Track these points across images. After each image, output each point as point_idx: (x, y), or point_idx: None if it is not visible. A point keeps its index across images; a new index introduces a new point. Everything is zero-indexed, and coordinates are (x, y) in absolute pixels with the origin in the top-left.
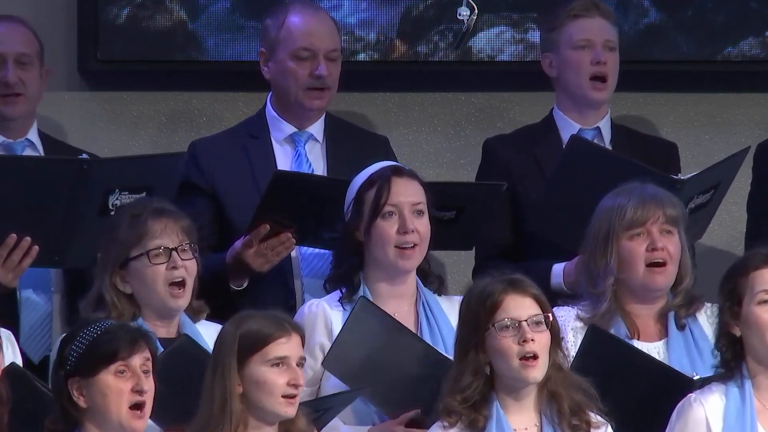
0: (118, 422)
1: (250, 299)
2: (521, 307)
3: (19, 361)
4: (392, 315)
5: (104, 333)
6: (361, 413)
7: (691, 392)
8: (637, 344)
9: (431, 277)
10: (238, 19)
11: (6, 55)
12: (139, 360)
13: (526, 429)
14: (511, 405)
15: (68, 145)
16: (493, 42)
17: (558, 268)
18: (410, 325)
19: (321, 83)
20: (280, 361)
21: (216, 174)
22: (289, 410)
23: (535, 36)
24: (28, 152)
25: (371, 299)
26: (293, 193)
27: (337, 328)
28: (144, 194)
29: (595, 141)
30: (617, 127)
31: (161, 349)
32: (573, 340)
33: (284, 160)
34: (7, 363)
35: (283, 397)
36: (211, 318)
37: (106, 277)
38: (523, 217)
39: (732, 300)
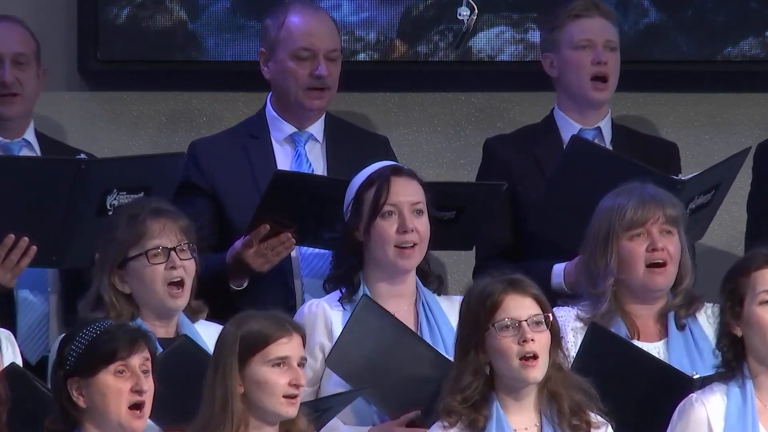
0: (118, 422)
1: (250, 299)
2: (521, 307)
3: (20, 362)
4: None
5: (103, 333)
6: (361, 413)
7: (692, 392)
8: (637, 344)
9: (431, 277)
10: (238, 19)
11: (3, 55)
12: (139, 360)
13: (526, 429)
14: (511, 405)
15: (65, 144)
16: (493, 42)
17: (558, 268)
18: (410, 324)
19: (321, 83)
20: (281, 362)
21: (216, 174)
22: (291, 410)
23: (535, 36)
24: (25, 152)
25: None
26: (293, 193)
27: (336, 328)
28: (142, 194)
29: (596, 141)
30: (618, 127)
31: (160, 349)
32: (573, 340)
33: (284, 160)
34: (7, 363)
35: (285, 397)
36: (211, 318)
37: (104, 277)
38: (524, 217)
39: (733, 300)
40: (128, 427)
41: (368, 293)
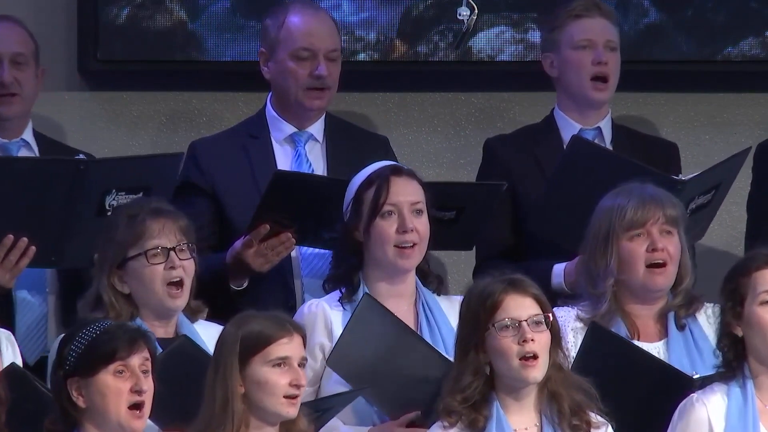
0: (117, 422)
1: (250, 299)
2: (521, 307)
3: (20, 362)
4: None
5: (103, 333)
6: (361, 413)
7: (692, 392)
8: (637, 344)
9: (431, 277)
10: (238, 19)
11: (1, 55)
12: (138, 360)
13: (526, 429)
14: (511, 405)
15: (64, 144)
16: (493, 42)
17: (559, 268)
18: (410, 324)
19: (321, 83)
20: (281, 362)
21: (216, 174)
22: (291, 411)
23: (535, 36)
24: (24, 152)
25: None
26: (293, 193)
27: (336, 328)
28: (141, 194)
29: (596, 141)
30: (618, 127)
31: (160, 349)
32: (573, 340)
33: (284, 160)
34: (7, 363)
35: (285, 397)
36: (211, 318)
37: (103, 278)
38: (524, 217)
39: (734, 300)
40: (128, 427)
41: (368, 293)
